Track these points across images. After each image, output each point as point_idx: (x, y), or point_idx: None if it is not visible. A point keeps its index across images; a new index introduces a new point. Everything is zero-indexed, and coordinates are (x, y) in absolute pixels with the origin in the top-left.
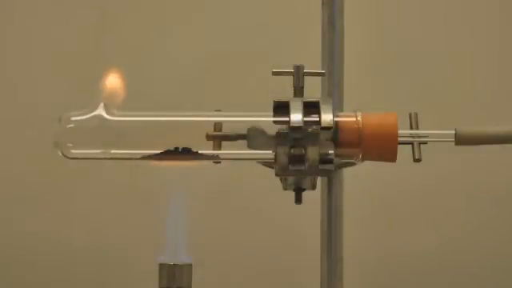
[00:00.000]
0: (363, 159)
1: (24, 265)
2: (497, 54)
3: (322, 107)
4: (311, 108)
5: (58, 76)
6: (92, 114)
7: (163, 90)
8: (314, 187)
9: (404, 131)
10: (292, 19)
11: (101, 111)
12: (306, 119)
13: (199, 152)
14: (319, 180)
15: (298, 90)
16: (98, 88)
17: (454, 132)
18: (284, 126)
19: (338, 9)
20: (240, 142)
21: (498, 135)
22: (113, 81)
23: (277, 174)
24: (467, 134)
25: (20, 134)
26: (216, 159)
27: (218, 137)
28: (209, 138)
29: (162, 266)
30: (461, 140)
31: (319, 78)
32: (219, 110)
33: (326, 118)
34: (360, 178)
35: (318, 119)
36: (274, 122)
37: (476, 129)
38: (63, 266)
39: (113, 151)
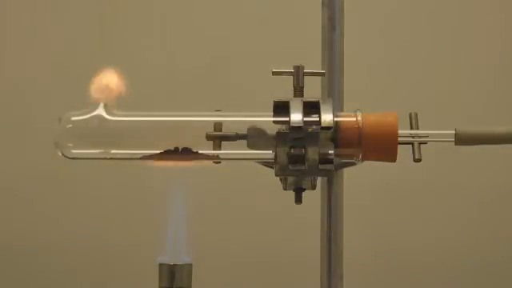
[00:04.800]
0: (363, 159)
1: (24, 265)
2: (497, 54)
3: (322, 107)
4: (311, 108)
5: (58, 76)
6: (92, 114)
7: (163, 89)
8: (314, 187)
9: (404, 131)
10: (292, 19)
11: (101, 111)
12: (306, 119)
13: (199, 152)
14: (319, 180)
15: (298, 90)
16: (93, 86)
17: (454, 132)
18: (284, 126)
19: (338, 9)
20: (240, 141)
21: (498, 135)
22: (107, 79)
23: (277, 174)
24: (467, 134)
25: (20, 134)
26: (216, 159)
27: (218, 137)
28: (209, 138)
29: (161, 265)
30: (461, 140)
31: (319, 78)
32: (219, 110)
33: (326, 117)
34: (360, 178)
35: (318, 119)
36: (274, 122)
37: (476, 129)
38: (63, 267)
39: (113, 151)
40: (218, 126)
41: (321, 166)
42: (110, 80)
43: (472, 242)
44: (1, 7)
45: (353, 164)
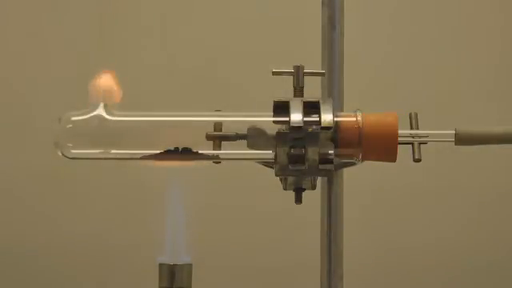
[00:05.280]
0: (363, 159)
1: (24, 265)
2: (497, 54)
3: (322, 107)
4: (311, 108)
5: (58, 76)
6: (92, 114)
7: (163, 89)
8: (314, 187)
9: (404, 131)
10: (292, 19)
11: (101, 111)
12: (306, 119)
13: (199, 152)
14: (319, 180)
15: (298, 90)
16: (92, 87)
17: (454, 132)
18: (284, 126)
19: (338, 8)
20: (240, 141)
21: (498, 135)
22: (107, 80)
23: (277, 174)
24: (467, 134)
25: (20, 134)
26: (216, 159)
27: (218, 137)
28: (209, 138)
29: (161, 265)
30: (461, 140)
31: (319, 78)
32: (219, 110)
33: (326, 117)
34: (360, 178)
35: (318, 119)
36: (274, 122)
37: (476, 129)
38: (63, 267)
39: (113, 151)
40: (218, 125)
41: (321, 166)
42: (108, 83)
43: (472, 242)
44: (1, 7)
45: (353, 164)
